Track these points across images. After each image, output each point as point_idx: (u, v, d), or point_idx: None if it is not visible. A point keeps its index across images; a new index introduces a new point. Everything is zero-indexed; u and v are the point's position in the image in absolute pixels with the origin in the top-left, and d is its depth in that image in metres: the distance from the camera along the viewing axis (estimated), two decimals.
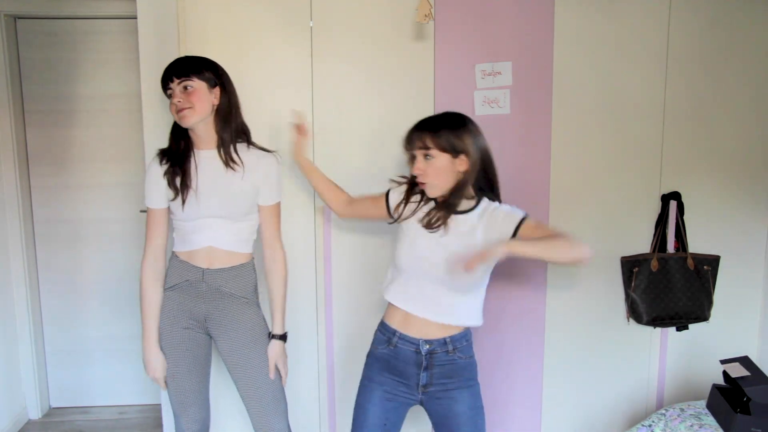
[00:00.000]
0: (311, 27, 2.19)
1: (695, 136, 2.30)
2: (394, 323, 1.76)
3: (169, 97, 1.81)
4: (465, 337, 1.77)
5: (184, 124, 1.81)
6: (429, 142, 1.66)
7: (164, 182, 1.86)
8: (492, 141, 2.24)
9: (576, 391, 2.42)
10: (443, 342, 1.73)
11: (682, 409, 2.13)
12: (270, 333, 1.96)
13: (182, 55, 2.15)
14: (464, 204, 1.71)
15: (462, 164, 1.68)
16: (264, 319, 1.96)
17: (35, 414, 3.04)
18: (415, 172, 1.69)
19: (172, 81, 1.79)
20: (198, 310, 1.89)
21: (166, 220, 1.90)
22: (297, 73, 2.21)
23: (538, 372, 2.40)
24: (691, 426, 1.98)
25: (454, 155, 1.67)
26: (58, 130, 2.96)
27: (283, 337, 1.96)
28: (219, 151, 1.85)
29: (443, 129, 1.66)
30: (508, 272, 2.32)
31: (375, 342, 1.82)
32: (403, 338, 1.74)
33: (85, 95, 2.94)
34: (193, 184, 1.84)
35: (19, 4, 2.79)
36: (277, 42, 2.19)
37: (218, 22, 2.17)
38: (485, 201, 1.73)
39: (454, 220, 1.70)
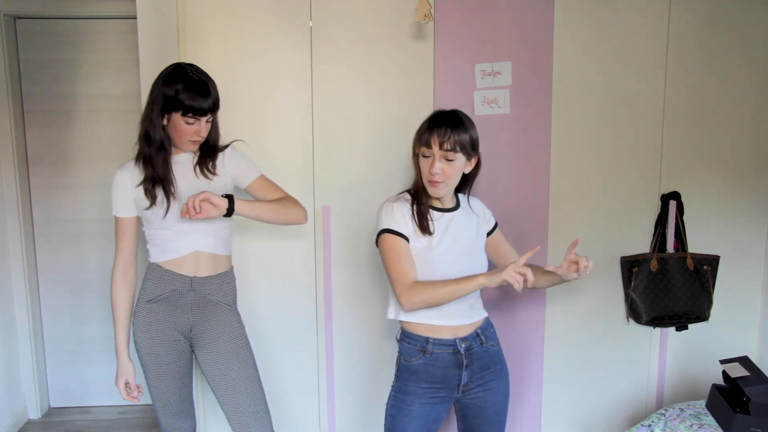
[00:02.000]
0: (311, 27, 2.19)
1: (695, 136, 2.30)
2: (422, 331, 1.73)
3: (187, 122, 1.75)
4: (489, 324, 1.82)
5: (192, 150, 1.83)
6: (453, 144, 1.64)
7: (134, 191, 1.80)
8: (492, 141, 2.26)
9: (576, 390, 2.42)
10: (476, 335, 1.75)
11: (681, 409, 2.13)
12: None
13: (182, 54, 2.15)
14: (450, 201, 1.79)
15: (469, 166, 1.72)
16: (244, 327, 1.96)
17: (35, 414, 3.04)
18: (435, 173, 1.64)
19: (205, 114, 1.76)
20: (183, 321, 1.87)
21: (137, 229, 1.86)
22: (297, 73, 2.21)
23: (539, 371, 2.40)
24: (691, 426, 1.98)
25: (468, 157, 1.69)
26: (58, 130, 2.96)
27: (231, 204, 1.73)
28: (195, 166, 1.84)
29: (463, 130, 1.66)
30: None
31: (405, 354, 1.76)
32: (438, 343, 1.72)
33: (85, 95, 2.94)
34: (174, 189, 1.81)
35: (19, 4, 2.79)
36: (277, 42, 2.19)
37: (218, 23, 2.17)
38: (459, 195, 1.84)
39: (446, 217, 1.75)
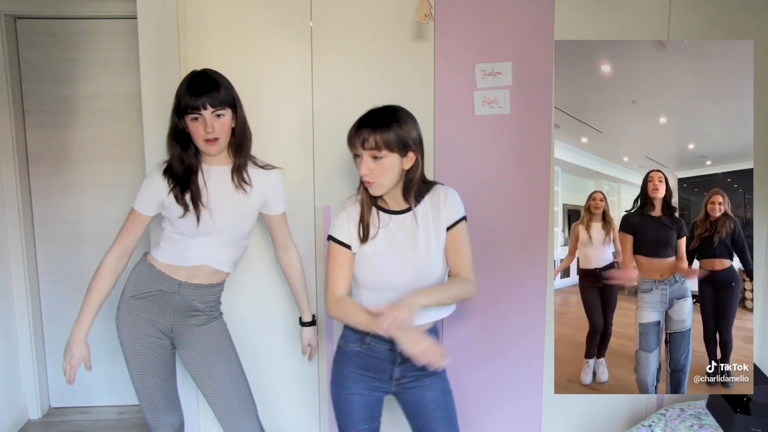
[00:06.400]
0: (311, 27, 2.19)
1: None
2: None
3: (193, 119, 1.75)
4: (434, 329, 1.81)
5: (212, 152, 1.80)
6: (378, 142, 1.63)
7: (165, 196, 1.82)
8: (492, 141, 2.26)
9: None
10: None
11: (682, 409, 2.13)
12: (301, 320, 2.14)
13: (182, 54, 2.15)
14: (404, 201, 1.72)
15: (408, 161, 1.68)
16: (226, 325, 1.98)
17: (35, 414, 3.04)
18: (363, 172, 1.65)
19: (205, 108, 1.74)
20: (164, 321, 1.89)
21: (148, 228, 1.90)
22: (297, 73, 2.21)
23: (538, 371, 2.40)
24: (691, 426, 1.98)
25: (402, 154, 1.66)
26: (58, 130, 2.96)
27: (313, 322, 2.14)
28: (233, 175, 1.85)
29: (391, 127, 1.64)
30: (508, 270, 2.32)
31: (346, 339, 1.80)
32: (377, 337, 1.72)
33: (85, 95, 2.94)
34: (205, 200, 1.82)
35: (19, 4, 2.79)
36: (277, 42, 2.19)
37: (218, 23, 2.17)
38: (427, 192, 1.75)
39: (395, 220, 1.72)
